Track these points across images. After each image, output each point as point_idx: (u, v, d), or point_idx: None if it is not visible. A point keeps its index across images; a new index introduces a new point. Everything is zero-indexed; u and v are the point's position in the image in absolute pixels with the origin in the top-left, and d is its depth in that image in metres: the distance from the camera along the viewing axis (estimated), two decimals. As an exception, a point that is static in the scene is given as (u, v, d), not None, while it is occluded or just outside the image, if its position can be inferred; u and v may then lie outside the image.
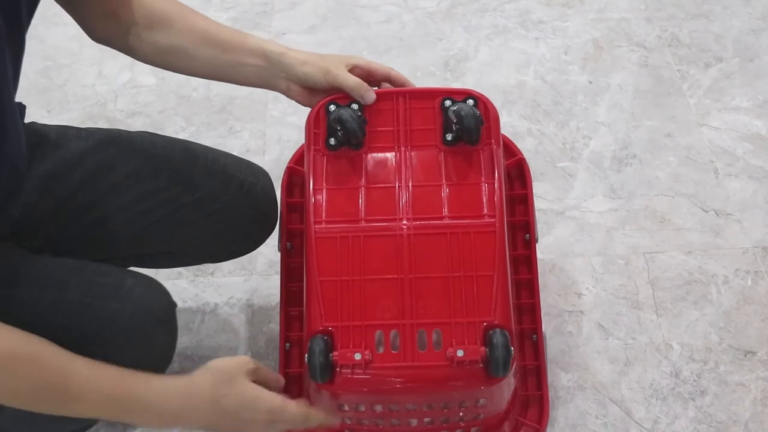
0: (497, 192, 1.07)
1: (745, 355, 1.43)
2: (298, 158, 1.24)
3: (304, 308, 1.06)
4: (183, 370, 1.43)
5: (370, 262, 1.04)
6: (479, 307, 1.02)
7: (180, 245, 1.18)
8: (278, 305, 1.22)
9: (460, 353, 0.98)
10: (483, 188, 1.07)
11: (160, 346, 1.05)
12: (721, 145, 1.75)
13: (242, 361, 0.97)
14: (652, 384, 1.40)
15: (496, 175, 1.07)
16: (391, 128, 1.09)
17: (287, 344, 1.20)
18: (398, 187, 1.07)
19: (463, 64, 1.95)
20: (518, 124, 1.81)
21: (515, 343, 1.18)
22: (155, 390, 0.92)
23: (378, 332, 1.01)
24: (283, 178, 1.21)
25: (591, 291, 1.52)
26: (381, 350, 1.00)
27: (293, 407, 0.98)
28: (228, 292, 1.54)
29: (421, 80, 1.91)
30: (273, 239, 1.26)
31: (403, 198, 1.06)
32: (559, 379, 1.40)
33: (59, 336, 0.95)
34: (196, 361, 1.45)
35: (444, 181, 1.07)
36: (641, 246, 1.59)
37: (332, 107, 1.08)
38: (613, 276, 1.54)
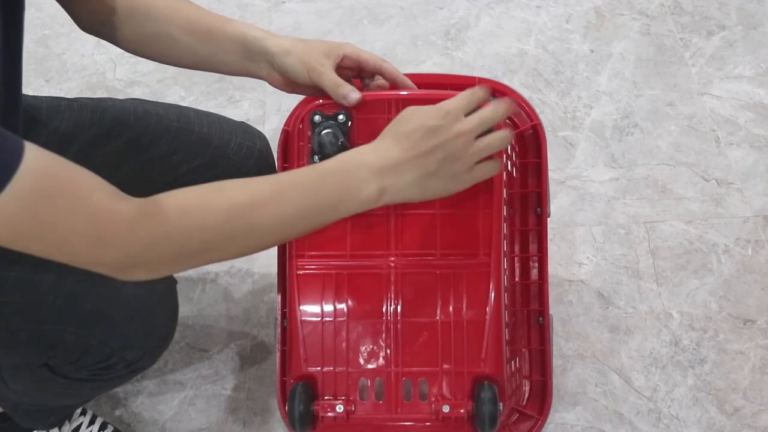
0: (495, 224, 0.98)
1: (745, 324, 1.43)
2: (292, 121, 1.20)
3: (287, 345, 1.02)
4: (183, 340, 1.44)
5: (355, 302, 0.99)
6: (469, 357, 0.97)
7: None
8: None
9: (445, 409, 0.95)
10: (480, 219, 0.98)
11: (161, 322, 1.05)
12: (722, 113, 1.74)
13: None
14: (651, 352, 1.40)
15: (495, 202, 0.98)
16: None
17: (285, 321, 1.17)
18: (388, 213, 0.98)
19: (464, 33, 1.93)
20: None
21: (520, 330, 1.13)
22: (348, 155, 0.86)
23: (362, 380, 0.98)
24: (279, 142, 1.12)
25: (591, 260, 1.53)
26: (365, 398, 0.98)
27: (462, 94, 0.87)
28: (228, 261, 1.54)
29: (421, 50, 1.90)
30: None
31: (393, 227, 0.98)
32: (559, 348, 1.41)
33: (61, 314, 0.95)
34: (197, 330, 1.45)
35: (437, 209, 0.98)
36: (642, 215, 1.58)
37: (317, 118, 0.98)
38: (614, 245, 1.54)
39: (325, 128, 0.97)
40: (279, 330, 1.14)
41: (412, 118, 0.85)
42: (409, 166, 0.84)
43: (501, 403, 0.95)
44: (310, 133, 0.99)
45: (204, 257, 0.82)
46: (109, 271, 0.76)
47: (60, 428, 1.27)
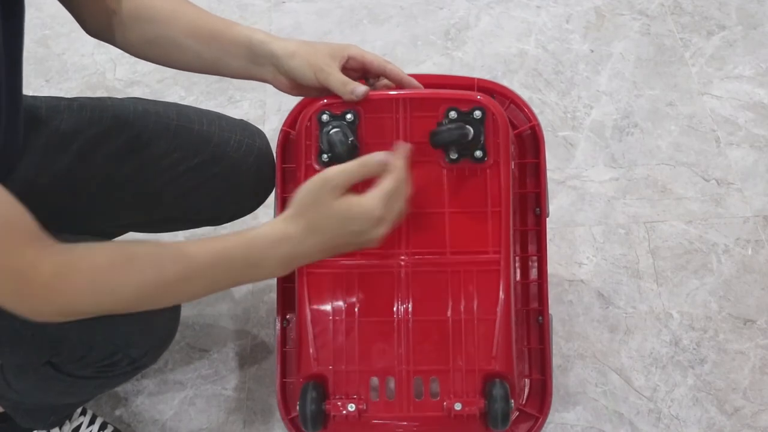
0: (504, 222, 0.99)
1: (745, 324, 1.43)
2: (292, 122, 1.20)
3: (296, 345, 1.02)
4: (183, 340, 1.44)
5: (366, 301, 0.99)
6: (479, 354, 0.97)
7: (183, 210, 1.17)
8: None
9: (458, 406, 0.95)
10: (489, 217, 0.98)
11: (163, 320, 1.05)
12: (722, 113, 1.74)
13: (319, 182, 0.86)
14: (651, 352, 1.40)
15: (503, 201, 0.98)
16: (390, 141, 0.97)
17: (285, 322, 1.16)
18: None
19: (464, 33, 1.93)
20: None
21: (520, 330, 1.13)
22: (258, 247, 0.86)
23: (373, 378, 0.98)
24: (278, 142, 1.13)
25: (591, 260, 1.52)
26: (376, 397, 0.98)
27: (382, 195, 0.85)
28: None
29: (421, 50, 1.90)
30: (269, 210, 1.25)
31: (403, 226, 0.98)
32: (559, 347, 1.41)
33: None
34: (197, 330, 1.45)
35: (447, 208, 0.99)
36: (642, 215, 1.58)
37: (324, 117, 0.98)
38: (614, 245, 1.54)
39: (334, 127, 0.97)
40: (279, 330, 1.14)
41: (337, 211, 0.84)
42: (319, 254, 0.86)
43: (512, 401, 0.96)
44: (318, 132, 0.99)
45: (114, 313, 0.84)
46: (21, 314, 0.78)
47: (60, 428, 1.27)
